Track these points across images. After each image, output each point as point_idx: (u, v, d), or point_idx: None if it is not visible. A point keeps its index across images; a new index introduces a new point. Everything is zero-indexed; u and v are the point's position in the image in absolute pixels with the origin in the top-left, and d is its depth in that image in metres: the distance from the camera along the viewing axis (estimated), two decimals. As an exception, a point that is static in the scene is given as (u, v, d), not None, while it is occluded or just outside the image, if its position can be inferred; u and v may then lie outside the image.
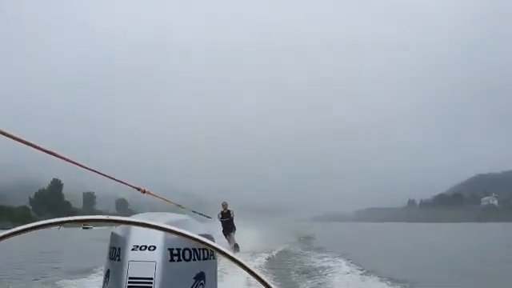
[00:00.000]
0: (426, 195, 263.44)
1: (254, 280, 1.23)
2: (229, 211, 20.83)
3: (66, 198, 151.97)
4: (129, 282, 2.34)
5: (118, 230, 2.55)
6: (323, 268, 14.45)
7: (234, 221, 20.92)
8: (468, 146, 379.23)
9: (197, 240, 1.25)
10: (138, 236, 2.42)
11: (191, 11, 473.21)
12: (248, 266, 1.22)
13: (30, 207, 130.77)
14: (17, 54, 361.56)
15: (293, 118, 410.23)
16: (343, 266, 14.88)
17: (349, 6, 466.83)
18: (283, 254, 19.48)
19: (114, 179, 3.30)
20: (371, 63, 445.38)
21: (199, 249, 2.51)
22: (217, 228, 19.82)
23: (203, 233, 2.47)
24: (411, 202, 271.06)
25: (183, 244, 2.42)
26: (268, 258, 17.60)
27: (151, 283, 2.33)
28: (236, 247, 19.69)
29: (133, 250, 2.40)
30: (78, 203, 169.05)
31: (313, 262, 16.22)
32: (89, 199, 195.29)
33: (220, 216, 20.52)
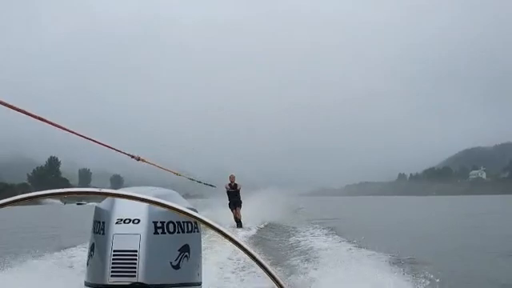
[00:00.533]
0: (417, 169, 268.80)
1: (240, 252, 1.23)
2: (236, 184, 20.59)
3: (62, 175, 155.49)
4: (113, 255, 2.38)
5: (102, 204, 2.59)
6: (308, 241, 14.42)
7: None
8: (458, 120, 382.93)
9: (182, 212, 1.27)
10: (121, 209, 2.45)
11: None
12: (234, 238, 1.23)
13: (29, 184, 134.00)
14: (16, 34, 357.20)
15: (280, 92, 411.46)
16: (325, 238, 14.95)
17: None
18: (272, 227, 19.39)
19: (106, 146, 3.33)
20: (358, 37, 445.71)
21: (183, 222, 2.54)
22: (220, 201, 20.50)
23: (188, 206, 2.42)
24: (401, 176, 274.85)
25: (167, 217, 2.46)
26: (256, 231, 17.71)
27: (136, 255, 2.37)
28: (239, 223, 19.63)
29: (117, 223, 2.43)
30: (74, 180, 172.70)
31: (300, 236, 16.06)
32: (85, 176, 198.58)
33: (228, 188, 20.38)
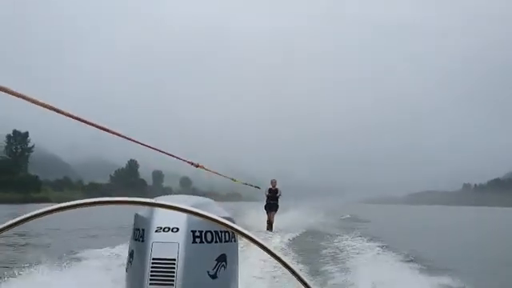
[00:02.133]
0: (481, 179, 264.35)
1: (275, 262, 1.22)
2: (276, 189, 20.90)
3: (140, 177, 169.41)
4: (152, 263, 2.42)
5: (142, 211, 2.64)
6: (353, 250, 13.80)
7: (280, 201, 20.84)
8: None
9: (217, 221, 1.26)
10: (161, 218, 2.49)
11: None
12: (268, 248, 1.22)
13: (113, 184, 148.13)
14: (79, 48, 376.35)
15: (346, 94, 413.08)
16: (375, 249, 13.98)
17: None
18: (312, 234, 18.78)
19: (169, 154, 3.49)
20: (417, 45, 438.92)
21: (221, 231, 2.56)
22: (254, 204, 21.07)
23: (225, 215, 2.50)
24: (466, 186, 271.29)
25: (205, 226, 2.48)
26: (293, 239, 16.98)
27: (174, 264, 2.41)
28: (270, 226, 19.85)
29: (156, 231, 2.46)
30: (149, 181, 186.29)
31: (344, 245, 15.41)
32: (158, 177, 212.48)
33: (267, 192, 20.70)
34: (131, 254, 2.62)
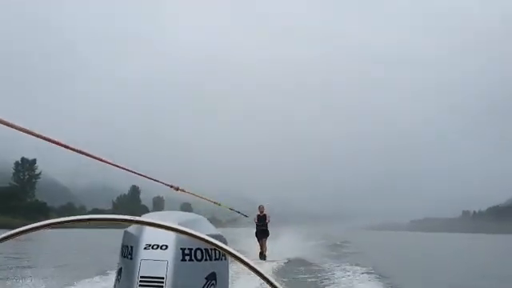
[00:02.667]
0: (481, 206, 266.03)
1: (265, 285, 1.21)
2: (265, 215, 20.57)
3: (142, 203, 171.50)
4: (140, 281, 2.37)
5: (131, 228, 2.58)
6: (340, 277, 14.02)
7: (269, 226, 20.51)
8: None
9: (206, 241, 1.25)
10: (150, 235, 2.44)
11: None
12: (259, 270, 1.21)
13: (115, 209, 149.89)
14: (79, 80, 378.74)
15: (346, 121, 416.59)
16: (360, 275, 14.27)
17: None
18: (300, 262, 18.84)
19: (146, 177, 3.40)
20: (421, 75, 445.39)
21: (211, 249, 2.50)
22: (252, 230, 20.54)
23: (215, 233, 2.50)
24: (465, 213, 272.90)
25: (195, 244, 2.42)
26: (286, 263, 17.54)
27: (162, 282, 2.36)
28: (262, 256, 19.49)
29: (145, 248, 2.42)
30: (150, 207, 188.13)
31: (332, 272, 15.41)
32: (158, 203, 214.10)
33: (256, 220, 20.32)
34: (119, 272, 2.58)
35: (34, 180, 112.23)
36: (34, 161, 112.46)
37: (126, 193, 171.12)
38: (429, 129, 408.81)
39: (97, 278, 11.88)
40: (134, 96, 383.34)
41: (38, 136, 1.91)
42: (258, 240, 20.15)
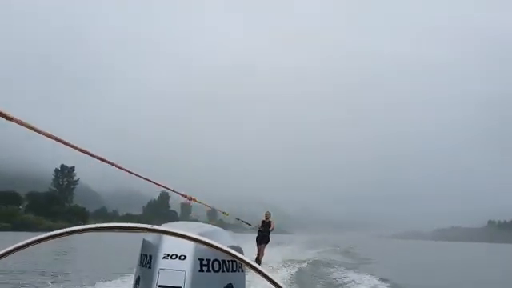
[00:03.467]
0: (506, 217, 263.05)
1: None
2: (269, 222, 20.76)
3: (171, 208, 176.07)
4: None
5: (150, 237, 2.57)
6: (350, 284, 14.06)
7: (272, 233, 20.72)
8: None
9: (225, 251, 1.25)
10: (169, 244, 2.43)
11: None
12: (275, 280, 1.21)
13: (145, 215, 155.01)
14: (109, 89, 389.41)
15: (368, 130, 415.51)
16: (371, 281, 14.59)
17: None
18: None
19: (161, 186, 3.53)
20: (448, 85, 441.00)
21: (228, 260, 2.50)
22: (253, 236, 20.76)
23: (233, 244, 2.48)
24: (491, 223, 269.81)
25: (213, 255, 2.42)
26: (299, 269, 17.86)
27: None
28: (257, 261, 19.26)
29: (164, 258, 2.42)
30: (179, 212, 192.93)
31: (342, 277, 15.76)
32: (186, 209, 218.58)
33: (259, 226, 20.68)
34: (137, 281, 2.56)
35: (72, 186, 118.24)
36: (73, 168, 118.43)
37: (156, 198, 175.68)
38: (456, 137, 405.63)
39: (116, 282, 12.21)
40: (162, 108, 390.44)
41: (71, 146, 2.06)
42: (257, 245, 20.39)
